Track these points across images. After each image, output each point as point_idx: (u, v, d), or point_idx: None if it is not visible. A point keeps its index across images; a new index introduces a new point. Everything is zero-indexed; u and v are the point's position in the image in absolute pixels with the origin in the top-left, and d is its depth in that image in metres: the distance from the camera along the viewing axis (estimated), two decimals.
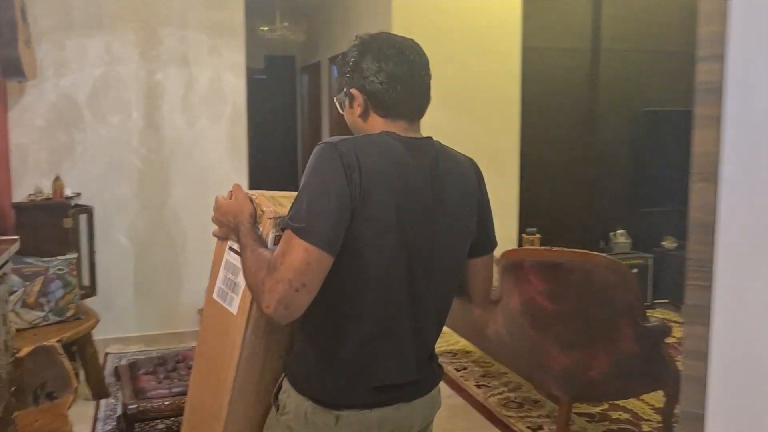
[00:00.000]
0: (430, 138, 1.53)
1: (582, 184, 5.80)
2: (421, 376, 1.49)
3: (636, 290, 2.76)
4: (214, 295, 1.61)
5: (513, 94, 5.42)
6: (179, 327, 4.78)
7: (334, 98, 1.58)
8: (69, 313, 3.64)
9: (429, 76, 1.55)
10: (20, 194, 4.23)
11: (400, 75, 1.46)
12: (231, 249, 1.59)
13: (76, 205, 4.19)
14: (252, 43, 6.44)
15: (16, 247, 2.06)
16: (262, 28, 6.30)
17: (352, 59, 1.48)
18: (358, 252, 1.35)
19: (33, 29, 4.18)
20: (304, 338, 1.48)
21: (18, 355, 2.57)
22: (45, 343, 2.63)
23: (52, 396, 2.66)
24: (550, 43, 5.60)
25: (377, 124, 1.47)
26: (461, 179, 1.55)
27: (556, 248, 2.85)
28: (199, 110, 4.69)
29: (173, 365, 3.25)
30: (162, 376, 3.14)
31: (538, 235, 5.46)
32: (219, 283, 1.61)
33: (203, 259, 4.77)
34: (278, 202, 1.54)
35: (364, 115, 1.48)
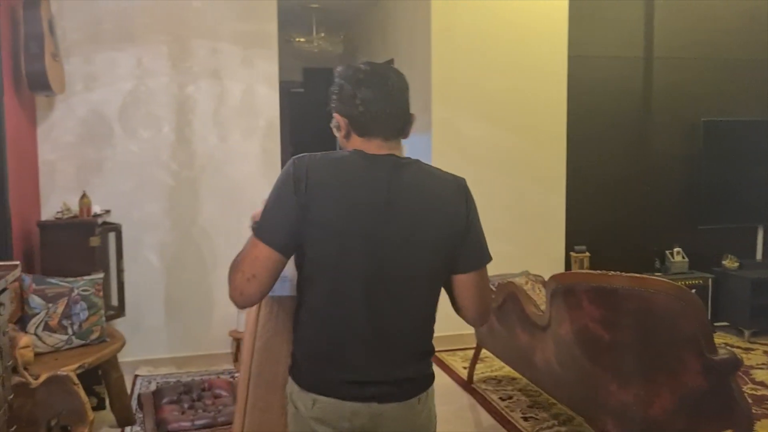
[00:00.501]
0: (395, 156, 1.64)
1: (634, 200, 5.46)
2: (393, 380, 1.59)
3: (703, 319, 2.46)
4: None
5: (559, 105, 5.14)
6: (211, 349, 4.61)
7: (330, 125, 1.71)
8: (93, 336, 3.48)
9: (406, 100, 1.69)
10: (48, 212, 4.12)
11: (373, 99, 1.61)
12: None
13: (104, 223, 4.06)
14: (289, 55, 6.31)
15: (15, 274, 1.89)
16: (298, 39, 6.15)
17: (335, 88, 1.65)
18: (309, 254, 1.56)
19: (62, 43, 4.09)
20: (294, 332, 1.66)
21: (30, 386, 2.40)
22: (59, 372, 2.46)
23: (67, 429, 2.49)
24: (599, 51, 5.31)
25: (356, 143, 1.64)
26: (429, 194, 1.63)
27: (611, 272, 2.57)
28: (231, 124, 4.54)
29: (198, 394, 3.06)
30: (186, 406, 2.96)
31: (587, 254, 5.14)
32: None
33: None
34: None
35: (347, 136, 1.65)
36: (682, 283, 5.16)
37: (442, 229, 1.63)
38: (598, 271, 2.63)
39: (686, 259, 5.40)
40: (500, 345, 3.83)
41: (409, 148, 5.34)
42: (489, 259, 1.74)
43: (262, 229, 1.56)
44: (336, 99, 1.65)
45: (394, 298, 1.59)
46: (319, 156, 1.60)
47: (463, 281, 1.70)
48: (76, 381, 2.46)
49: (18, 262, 1.90)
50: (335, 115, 1.66)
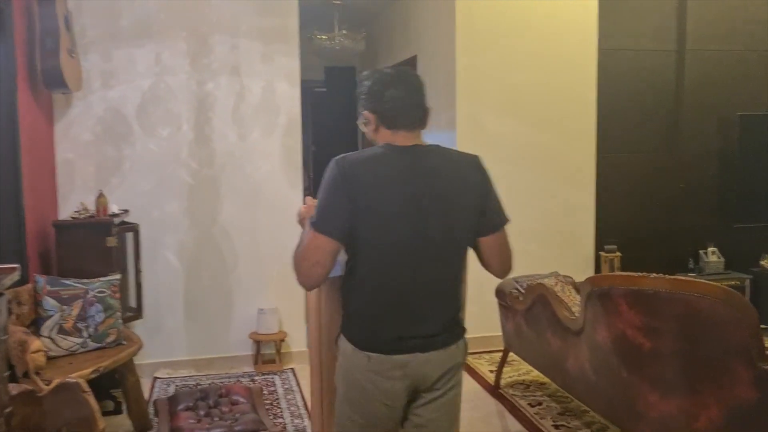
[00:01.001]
0: (419, 144, 1.92)
1: (667, 197, 5.26)
2: (433, 333, 1.90)
3: (754, 325, 2.28)
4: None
5: (588, 100, 4.96)
6: (231, 351, 4.51)
7: (357, 122, 2.00)
8: (109, 339, 3.39)
9: (424, 95, 1.96)
10: (66, 212, 4.04)
11: (399, 96, 1.90)
12: None
13: (122, 223, 3.97)
14: (311, 53, 6.19)
15: (14, 277, 1.78)
16: (319, 36, 6.03)
17: (363, 89, 1.93)
18: (360, 236, 1.83)
19: (80, 39, 4.01)
20: (343, 301, 1.96)
21: (38, 394, 2.30)
22: (68, 379, 2.36)
23: None
24: (630, 43, 5.12)
25: (385, 135, 1.92)
26: (452, 172, 1.92)
27: (653, 275, 2.41)
28: (252, 122, 4.43)
29: (215, 400, 2.96)
30: (202, 413, 2.85)
31: (617, 254, 4.96)
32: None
33: (255, 280, 4.50)
34: None
35: (376, 130, 1.93)
36: (720, 283, 4.97)
37: (467, 199, 1.93)
38: (638, 274, 2.47)
39: (722, 259, 5.20)
40: (529, 349, 3.68)
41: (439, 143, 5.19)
42: (507, 220, 2.06)
43: (320, 223, 1.82)
44: (365, 98, 1.93)
45: (432, 264, 1.89)
46: (356, 154, 1.88)
47: (487, 242, 2.01)
48: (86, 388, 2.36)
49: (17, 266, 1.80)
50: (365, 112, 1.93)
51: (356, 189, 1.81)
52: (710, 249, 5.19)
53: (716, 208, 5.32)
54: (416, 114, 1.92)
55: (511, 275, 4.17)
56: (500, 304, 3.95)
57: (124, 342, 3.45)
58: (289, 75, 4.46)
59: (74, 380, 2.36)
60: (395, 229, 1.83)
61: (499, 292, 3.92)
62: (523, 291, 3.63)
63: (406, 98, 1.91)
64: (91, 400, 2.40)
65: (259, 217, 4.46)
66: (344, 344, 1.93)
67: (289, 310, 4.55)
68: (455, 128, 4.78)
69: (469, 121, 4.79)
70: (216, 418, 2.77)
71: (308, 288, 1.94)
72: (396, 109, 1.90)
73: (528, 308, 3.50)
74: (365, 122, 1.94)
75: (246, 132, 4.42)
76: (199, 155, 4.36)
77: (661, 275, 2.41)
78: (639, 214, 5.22)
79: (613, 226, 5.12)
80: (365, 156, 1.88)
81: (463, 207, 1.92)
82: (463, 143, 4.76)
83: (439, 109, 5.10)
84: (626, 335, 2.50)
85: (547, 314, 3.24)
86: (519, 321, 3.65)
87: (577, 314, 3.02)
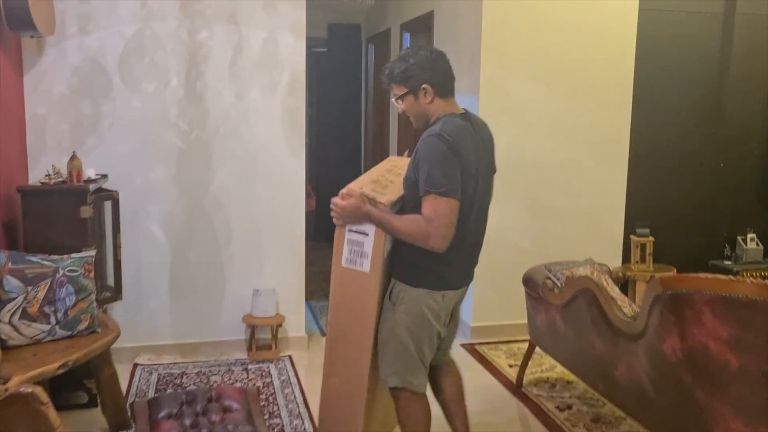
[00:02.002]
0: (466, 110, 2.40)
1: (705, 176, 4.80)
2: (473, 271, 2.54)
3: None
4: (343, 264, 2.40)
5: (625, 66, 4.46)
6: (222, 335, 4.05)
7: (394, 100, 2.37)
8: (81, 326, 2.91)
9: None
10: (36, 175, 3.53)
11: (447, 68, 2.36)
12: (351, 231, 2.38)
13: (99, 190, 3.47)
14: (313, 8, 5.62)
15: None
16: None
17: (415, 66, 2.28)
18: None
19: None
20: (421, 254, 2.27)
21: None
22: (22, 389, 1.89)
23: None
24: (674, 5, 4.59)
25: (439, 105, 2.31)
26: (489, 138, 2.46)
27: (750, 280, 1.95)
28: (251, 79, 3.90)
29: (204, 406, 2.49)
30: (188, 422, 2.39)
31: (650, 238, 4.50)
32: (346, 255, 2.39)
33: (251, 258, 4.00)
34: (381, 185, 2.45)
35: (432, 102, 2.30)
36: (758, 274, 4.53)
37: (492, 161, 2.49)
38: (729, 277, 2.00)
39: (761, 246, 4.76)
40: (564, 348, 3.23)
41: None
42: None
43: (452, 190, 2.15)
44: (421, 72, 2.27)
45: (484, 217, 2.45)
46: (450, 127, 2.21)
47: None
48: (45, 399, 1.89)
49: None
50: (425, 85, 2.28)
51: (461, 157, 2.18)
52: (749, 235, 4.74)
53: (758, 189, 4.85)
54: (453, 83, 2.38)
55: (540, 260, 3.80)
56: (528, 295, 3.49)
57: (99, 330, 2.97)
58: (294, 26, 3.92)
59: (30, 389, 1.89)
60: (476, 189, 2.28)
61: (529, 281, 3.46)
62: (558, 282, 3.17)
63: (450, 69, 2.36)
64: (51, 413, 1.93)
65: (256, 187, 3.96)
66: (413, 293, 2.32)
67: (288, 292, 4.08)
68: (478, 93, 4.27)
69: (494, 85, 4.27)
70: (204, 429, 2.32)
71: (444, 249, 2.20)
72: (449, 79, 2.35)
73: (567, 303, 3.05)
74: (423, 94, 2.28)
75: (244, 90, 3.90)
76: (190, 115, 3.84)
77: (758, 281, 1.94)
78: (673, 194, 4.75)
79: (645, 207, 4.66)
80: (455, 128, 2.22)
81: (491, 169, 2.48)
82: (485, 110, 4.26)
83: (459, 72, 4.56)
84: (708, 349, 2.05)
85: (593, 313, 2.78)
86: (553, 316, 3.20)
87: (632, 316, 2.57)
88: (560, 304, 3.11)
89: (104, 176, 3.60)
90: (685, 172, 4.76)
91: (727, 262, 4.73)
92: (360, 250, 2.35)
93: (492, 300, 4.44)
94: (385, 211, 2.28)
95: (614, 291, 2.93)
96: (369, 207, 2.29)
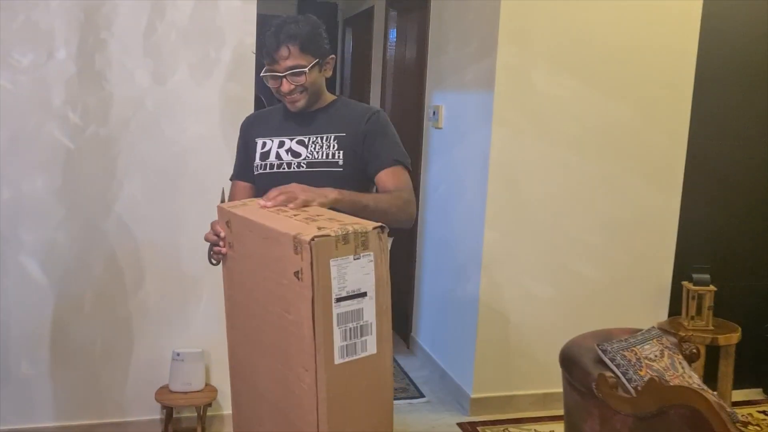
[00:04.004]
0: None
1: None
2: None
3: None
4: (338, 361, 1.39)
5: (684, 62, 3.38)
6: (126, 415, 2.89)
7: (288, 74, 1.86)
8: None
9: None
10: None
11: None
12: (339, 300, 1.38)
13: None
14: None
15: None
16: None
17: (322, 32, 1.90)
18: None
19: None
20: None
21: None
22: None
23: None
24: None
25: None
26: None
27: None
28: (176, 53, 2.74)
29: None
30: None
31: (711, 287, 3.40)
32: (339, 343, 1.39)
33: (171, 306, 2.75)
34: (340, 221, 1.47)
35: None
36: None
37: None
38: None
39: None
40: None
41: (456, 110, 3.57)
42: None
43: (408, 157, 1.96)
44: (326, 42, 1.91)
45: None
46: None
47: None
48: None
49: None
50: (332, 56, 1.95)
51: None
52: None
53: None
54: None
55: (577, 328, 2.66)
56: (570, 384, 2.38)
57: None
58: None
59: None
60: None
61: (571, 364, 2.35)
62: (630, 383, 2.05)
63: None
64: None
65: (180, 206, 2.80)
66: None
67: (223, 353, 2.90)
68: (492, 88, 3.15)
69: (513, 76, 3.16)
70: None
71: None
72: None
73: (646, 417, 1.93)
74: (330, 66, 1.94)
75: (165, 70, 2.73)
76: (84, 102, 2.67)
77: None
78: (736, 228, 3.67)
79: (700, 244, 3.58)
80: None
81: None
82: (501, 109, 3.16)
83: (466, 60, 3.46)
84: None
85: None
86: (617, 429, 2.08)
87: None
88: (632, 415, 2.00)
89: None
90: (754, 199, 3.67)
91: None
92: (359, 325, 1.42)
93: (498, 363, 3.34)
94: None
95: (693, 378, 1.83)
96: (336, 191, 1.67)
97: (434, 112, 3.81)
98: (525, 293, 3.32)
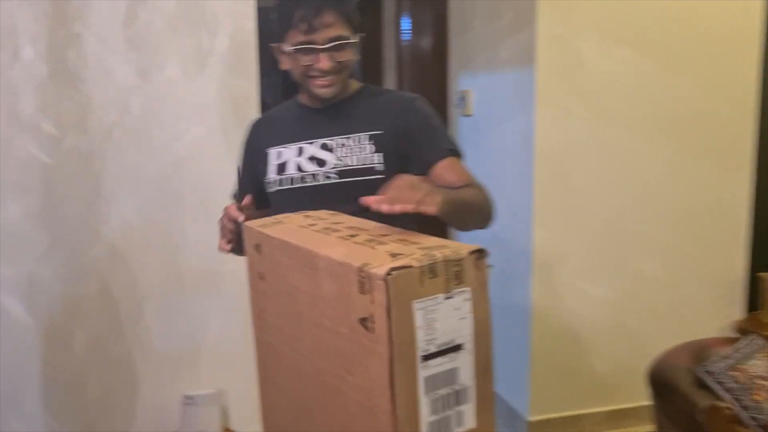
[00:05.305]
0: None
1: None
2: None
3: None
4: None
5: (750, 25, 2.92)
6: None
7: (328, 46, 1.46)
8: None
9: None
10: None
11: None
12: (426, 357, 0.96)
13: None
14: None
15: None
16: None
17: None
18: None
19: None
20: None
21: None
22: None
23: None
24: None
25: None
26: None
27: None
28: (163, 44, 2.33)
29: None
30: None
31: None
32: (427, 418, 0.97)
33: (179, 340, 2.43)
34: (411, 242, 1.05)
35: None
36: None
37: None
38: None
39: None
40: None
41: (489, 93, 3.13)
42: None
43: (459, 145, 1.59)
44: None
45: None
46: None
47: None
48: None
49: None
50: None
51: None
52: None
53: None
54: None
55: (642, 333, 2.11)
56: (663, 411, 1.94)
57: None
58: None
59: None
60: None
61: (663, 386, 1.94)
62: (753, 417, 1.62)
63: None
64: None
65: (181, 225, 2.39)
66: None
67: (243, 392, 2.49)
68: (532, 63, 2.72)
69: (558, 48, 2.72)
70: None
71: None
72: None
73: None
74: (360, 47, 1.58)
75: (151, 64, 2.32)
76: (59, 109, 2.26)
77: None
78: None
79: None
80: None
81: None
82: (545, 87, 2.73)
83: (497, 34, 3.03)
84: None
85: None
86: None
87: None
88: None
89: None
90: None
91: None
92: (453, 391, 1.00)
93: (557, 379, 2.91)
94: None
95: None
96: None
97: (462, 98, 3.38)
98: (583, 297, 2.89)
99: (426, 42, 3.94)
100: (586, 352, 2.92)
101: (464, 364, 1.00)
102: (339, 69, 1.50)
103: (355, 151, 1.51)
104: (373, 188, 1.26)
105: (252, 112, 2.42)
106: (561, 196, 2.81)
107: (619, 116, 2.81)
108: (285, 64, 1.53)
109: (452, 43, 3.54)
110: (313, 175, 1.52)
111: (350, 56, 1.51)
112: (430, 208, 1.15)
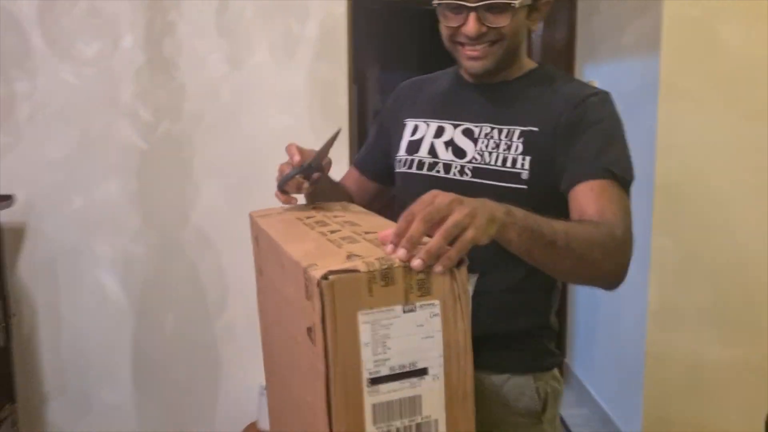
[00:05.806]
0: None
1: None
2: None
3: None
4: None
5: None
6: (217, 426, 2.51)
7: (482, 8, 1.15)
8: None
9: None
10: None
11: None
12: (376, 380, 0.82)
13: None
14: None
15: None
16: None
17: None
18: None
19: None
20: (546, 304, 1.30)
21: None
22: None
23: None
24: None
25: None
26: None
27: None
28: (253, 32, 2.32)
29: None
30: None
31: None
32: None
33: (256, 335, 2.44)
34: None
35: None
36: None
37: None
38: None
39: None
40: None
41: (612, 83, 2.84)
42: None
43: (631, 170, 1.18)
44: None
45: None
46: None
47: None
48: None
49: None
50: None
51: None
52: None
53: None
54: None
55: None
56: None
57: None
58: None
59: None
60: None
61: None
62: None
63: None
64: None
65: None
66: (552, 381, 1.28)
67: None
68: (657, 48, 2.40)
69: (690, 32, 2.39)
70: None
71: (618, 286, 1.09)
72: None
73: None
74: (540, 15, 1.25)
75: (242, 52, 2.32)
76: (156, 96, 2.33)
77: None
78: None
79: None
80: None
81: None
82: (672, 75, 2.40)
83: (622, 16, 2.72)
84: None
85: None
86: None
87: None
88: None
89: (6, 198, 2.18)
90: None
91: None
92: (411, 425, 0.86)
93: (676, 403, 2.56)
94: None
95: None
96: (500, 206, 0.91)
97: None
98: (707, 312, 2.52)
99: (555, 33, 3.67)
100: (711, 373, 2.55)
101: (429, 393, 0.83)
102: (494, 38, 1.19)
103: (502, 147, 1.20)
104: (510, 199, 0.95)
105: (341, 100, 2.36)
106: (687, 199, 2.47)
107: (762, 108, 2.41)
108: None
109: (579, 28, 3.26)
110: (446, 165, 1.24)
111: (511, 24, 1.17)
112: (471, 235, 0.83)
